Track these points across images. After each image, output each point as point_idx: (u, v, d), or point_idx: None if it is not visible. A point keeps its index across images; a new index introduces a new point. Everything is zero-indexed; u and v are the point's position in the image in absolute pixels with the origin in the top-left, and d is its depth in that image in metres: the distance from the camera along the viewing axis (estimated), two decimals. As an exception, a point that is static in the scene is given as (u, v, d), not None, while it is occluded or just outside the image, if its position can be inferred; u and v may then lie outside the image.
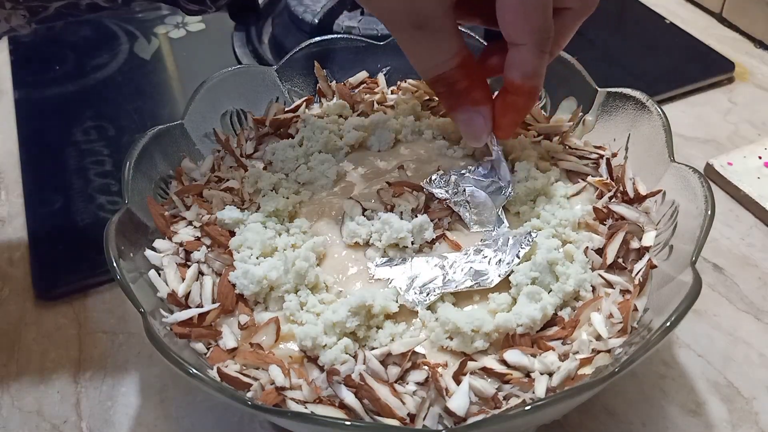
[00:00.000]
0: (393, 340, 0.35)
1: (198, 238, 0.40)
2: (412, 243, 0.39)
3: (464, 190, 0.41)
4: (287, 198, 0.41)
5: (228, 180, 0.43)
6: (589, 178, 0.43)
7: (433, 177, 0.42)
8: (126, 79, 0.66)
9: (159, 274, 0.37)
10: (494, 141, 0.41)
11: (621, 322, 0.34)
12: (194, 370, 0.30)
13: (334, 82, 0.51)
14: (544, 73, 0.38)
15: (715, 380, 0.41)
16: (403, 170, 0.44)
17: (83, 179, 0.55)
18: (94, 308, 0.47)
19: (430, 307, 0.36)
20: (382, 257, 0.39)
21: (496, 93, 0.40)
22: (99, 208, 0.53)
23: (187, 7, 0.39)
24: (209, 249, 0.39)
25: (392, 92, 0.51)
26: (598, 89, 0.45)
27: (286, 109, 0.49)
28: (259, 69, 0.49)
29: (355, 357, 0.34)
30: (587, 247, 0.38)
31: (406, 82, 0.51)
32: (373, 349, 0.34)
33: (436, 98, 0.50)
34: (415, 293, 0.36)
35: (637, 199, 0.40)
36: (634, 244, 0.38)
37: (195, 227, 0.40)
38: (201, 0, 0.39)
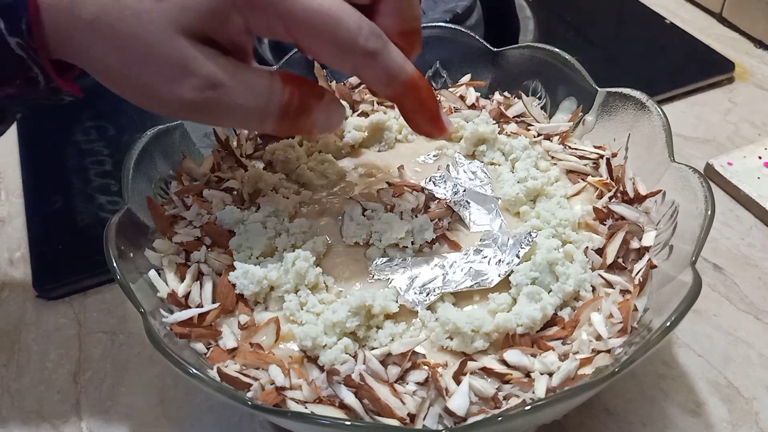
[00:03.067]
0: (393, 340, 0.35)
1: (198, 238, 0.40)
2: (412, 243, 0.39)
3: (464, 190, 0.41)
4: (287, 198, 0.41)
5: (228, 180, 0.43)
6: (589, 178, 0.43)
7: (433, 177, 0.42)
8: (126, 79, 0.66)
9: (159, 274, 0.37)
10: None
11: (621, 322, 0.34)
12: (194, 370, 0.30)
13: (334, 82, 0.51)
14: (403, 65, 0.33)
15: (715, 380, 0.41)
16: (403, 170, 0.44)
17: (83, 179, 0.55)
18: (94, 308, 0.47)
19: (430, 307, 0.36)
20: (382, 257, 0.39)
21: None
22: (99, 208, 0.53)
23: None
24: (209, 249, 0.39)
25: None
26: (598, 89, 0.45)
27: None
28: (259, 69, 0.49)
29: (355, 357, 0.34)
30: (587, 247, 0.38)
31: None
32: (373, 349, 0.34)
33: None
34: (415, 293, 0.36)
35: (637, 199, 0.40)
36: (634, 244, 0.38)
37: (195, 227, 0.40)
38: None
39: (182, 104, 0.32)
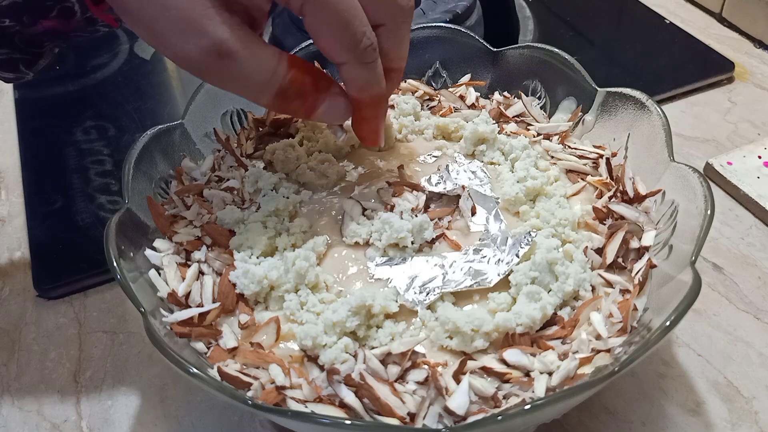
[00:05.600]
0: (393, 339, 0.35)
1: (198, 238, 0.40)
2: (412, 243, 0.39)
3: (462, 187, 0.41)
4: (287, 198, 0.41)
5: (228, 180, 0.43)
6: (589, 178, 0.43)
7: (433, 177, 0.42)
8: (126, 79, 0.66)
9: (159, 274, 0.38)
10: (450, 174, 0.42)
11: (621, 322, 0.34)
12: (194, 370, 0.30)
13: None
14: (380, 81, 0.37)
15: (714, 379, 0.41)
16: (403, 170, 0.44)
17: (83, 179, 0.55)
18: (94, 308, 0.47)
19: (430, 307, 0.36)
20: (382, 257, 0.39)
21: None
22: (99, 208, 0.53)
23: (3, 76, 0.38)
24: (209, 248, 0.39)
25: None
26: (598, 89, 0.45)
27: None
28: (259, 69, 0.49)
29: (355, 356, 0.34)
30: (587, 247, 0.38)
31: (406, 82, 0.51)
32: (373, 348, 0.34)
33: (436, 98, 0.50)
34: (415, 293, 0.36)
35: (637, 199, 0.40)
36: (634, 244, 0.38)
37: (195, 227, 0.40)
38: (15, 68, 0.37)
39: (188, 61, 0.33)
